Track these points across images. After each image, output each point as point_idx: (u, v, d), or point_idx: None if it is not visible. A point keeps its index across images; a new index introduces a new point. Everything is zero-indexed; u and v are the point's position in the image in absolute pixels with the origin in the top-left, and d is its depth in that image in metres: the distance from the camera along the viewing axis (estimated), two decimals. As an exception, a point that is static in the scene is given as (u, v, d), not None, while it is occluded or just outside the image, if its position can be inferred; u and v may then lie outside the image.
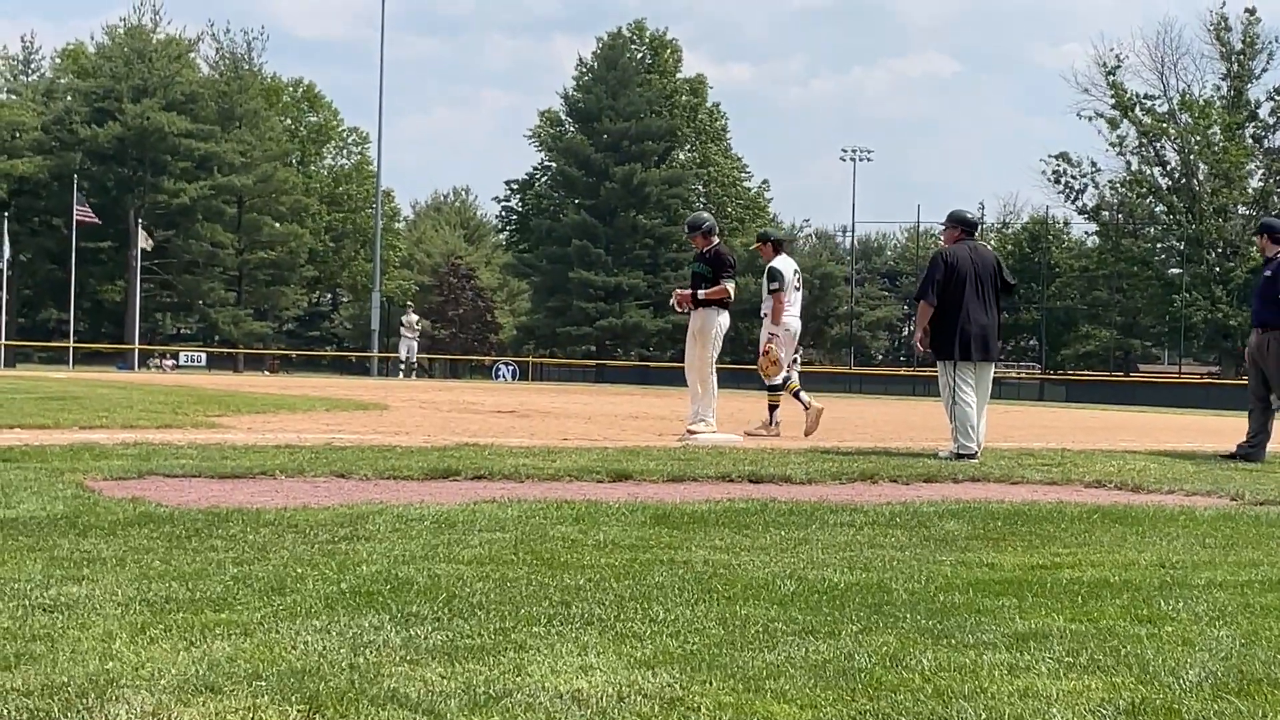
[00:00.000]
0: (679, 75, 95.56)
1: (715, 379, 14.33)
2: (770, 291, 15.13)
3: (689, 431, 13.84)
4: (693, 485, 9.06)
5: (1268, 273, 14.02)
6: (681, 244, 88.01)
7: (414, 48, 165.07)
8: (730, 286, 14.14)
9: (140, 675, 3.50)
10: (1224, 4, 71.55)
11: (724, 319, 14.22)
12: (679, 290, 14.50)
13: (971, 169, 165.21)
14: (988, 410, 12.84)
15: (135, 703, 3.27)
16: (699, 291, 14.10)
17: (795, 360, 15.88)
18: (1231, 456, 13.49)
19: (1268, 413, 13.83)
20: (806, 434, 14.81)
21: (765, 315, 15.21)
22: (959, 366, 12.37)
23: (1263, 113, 70.54)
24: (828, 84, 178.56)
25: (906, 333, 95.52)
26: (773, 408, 15.43)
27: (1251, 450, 13.51)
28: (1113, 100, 70.21)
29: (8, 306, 72.33)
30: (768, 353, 14.96)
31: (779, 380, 15.35)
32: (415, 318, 48.04)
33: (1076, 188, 73.83)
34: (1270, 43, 70.13)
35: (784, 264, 15.30)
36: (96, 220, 65.69)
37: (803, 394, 15.46)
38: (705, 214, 15.43)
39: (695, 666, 3.75)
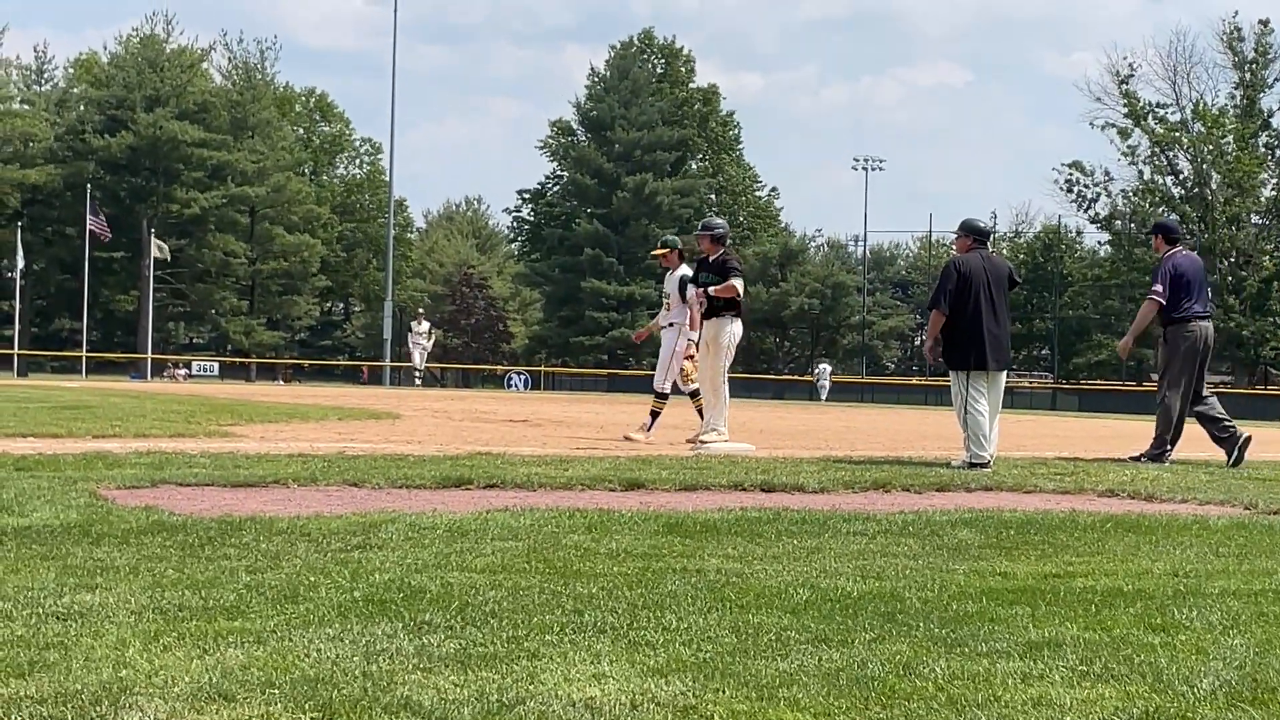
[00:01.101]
0: (691, 85, 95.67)
1: (728, 388, 14.30)
2: (687, 300, 15.12)
3: (701, 441, 13.84)
4: (705, 494, 9.06)
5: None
6: (694, 254, 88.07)
7: (425, 57, 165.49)
8: (739, 284, 14.02)
9: (153, 683, 3.50)
10: (1236, 13, 71.50)
11: (737, 328, 14.18)
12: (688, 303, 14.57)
13: (983, 178, 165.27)
14: (1000, 419, 12.83)
15: (149, 710, 3.28)
16: (710, 289, 14.04)
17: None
18: (1235, 463, 13.48)
19: (1200, 410, 14.04)
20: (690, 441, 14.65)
21: (676, 324, 15.25)
22: (972, 376, 12.36)
23: (1275, 122, 70.46)
24: (839, 93, 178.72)
25: (919, 342, 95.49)
26: (655, 414, 15.33)
27: (1230, 448, 13.64)
28: (1125, 109, 70.10)
29: (21, 316, 72.50)
30: (692, 357, 14.99)
31: (695, 388, 15.33)
32: (426, 326, 47.93)
33: (1089, 197, 73.69)
34: (1283, 52, 70.01)
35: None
36: (107, 234, 65.76)
37: (657, 420, 15.37)
38: (721, 220, 15.40)
39: (708, 675, 3.75)
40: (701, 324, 14.31)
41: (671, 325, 15.38)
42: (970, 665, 3.95)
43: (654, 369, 15.96)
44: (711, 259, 14.29)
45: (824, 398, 62.04)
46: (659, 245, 15.96)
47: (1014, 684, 3.75)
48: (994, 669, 3.91)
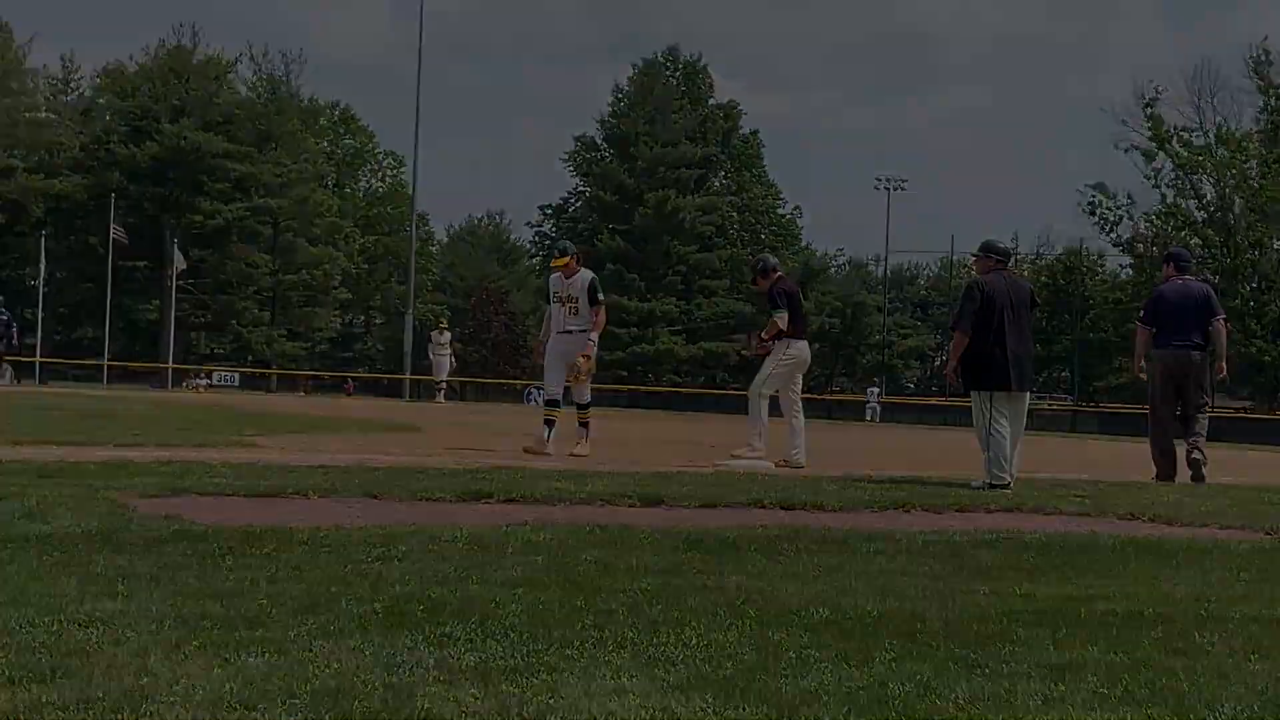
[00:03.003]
0: (711, 101, 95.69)
1: (765, 406, 14.29)
2: (597, 302, 15.06)
3: (732, 456, 13.90)
4: (725, 511, 9.04)
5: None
6: (715, 271, 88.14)
7: (450, 72, 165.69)
8: (782, 319, 14.25)
9: (174, 691, 3.51)
10: (1266, 38, 71.18)
11: (794, 350, 14.32)
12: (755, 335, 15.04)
13: (1005, 200, 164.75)
14: (1021, 441, 12.78)
15: (169, 718, 3.29)
16: (762, 333, 14.61)
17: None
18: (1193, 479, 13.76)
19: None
20: (527, 450, 14.48)
21: (584, 329, 15.11)
22: (995, 396, 12.31)
23: (1300, 147, 70.15)
24: (863, 114, 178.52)
25: (939, 362, 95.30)
26: (584, 424, 15.23)
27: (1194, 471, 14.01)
28: (1150, 133, 69.88)
29: (43, 324, 72.80)
30: (588, 357, 14.97)
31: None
32: (448, 337, 47.41)
33: (1112, 220, 73.45)
34: (1310, 78, 69.73)
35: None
36: (125, 238, 66.09)
37: (555, 428, 15.06)
38: (767, 256, 15.48)
39: (729, 692, 3.75)
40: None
41: (584, 331, 15.26)
42: (991, 686, 3.94)
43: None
44: (768, 292, 14.59)
45: (874, 419, 64.31)
46: (558, 253, 15.64)
47: (1035, 706, 3.74)
48: (1015, 691, 3.90)
